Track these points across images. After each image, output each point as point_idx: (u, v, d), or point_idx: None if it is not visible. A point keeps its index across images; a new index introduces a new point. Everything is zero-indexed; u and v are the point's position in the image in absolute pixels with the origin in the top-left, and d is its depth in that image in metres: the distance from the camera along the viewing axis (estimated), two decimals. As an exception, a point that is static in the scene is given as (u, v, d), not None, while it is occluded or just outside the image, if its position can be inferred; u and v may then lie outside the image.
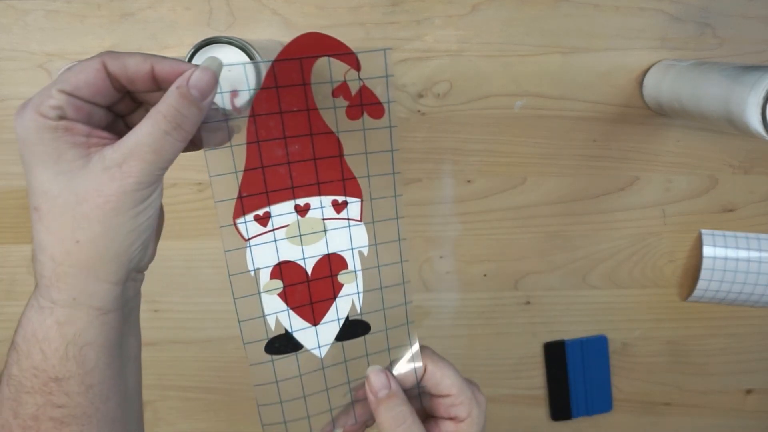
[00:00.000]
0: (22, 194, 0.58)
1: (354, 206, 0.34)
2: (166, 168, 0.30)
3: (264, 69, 0.33)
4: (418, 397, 0.37)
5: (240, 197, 0.34)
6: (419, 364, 0.36)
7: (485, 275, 0.61)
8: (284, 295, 0.34)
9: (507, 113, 0.57)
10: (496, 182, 0.59)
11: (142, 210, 0.30)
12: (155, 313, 0.61)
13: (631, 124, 0.57)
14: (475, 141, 0.58)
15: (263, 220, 0.34)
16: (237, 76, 0.34)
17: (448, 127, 0.57)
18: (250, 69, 0.36)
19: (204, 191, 0.58)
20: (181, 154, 0.55)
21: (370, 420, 0.36)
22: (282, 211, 0.34)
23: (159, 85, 0.30)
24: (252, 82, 0.36)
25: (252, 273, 0.34)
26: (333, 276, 0.35)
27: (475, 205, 0.59)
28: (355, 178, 0.34)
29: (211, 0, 0.54)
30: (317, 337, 0.35)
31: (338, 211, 0.34)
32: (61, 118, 0.28)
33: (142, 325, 0.62)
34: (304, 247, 0.34)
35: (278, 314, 0.34)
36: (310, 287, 0.35)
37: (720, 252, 0.59)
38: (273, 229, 0.34)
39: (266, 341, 0.34)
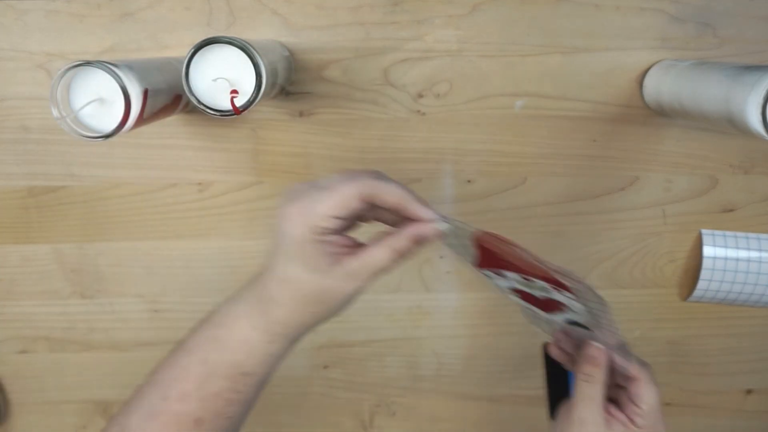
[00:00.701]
0: (22, 194, 0.58)
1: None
2: None
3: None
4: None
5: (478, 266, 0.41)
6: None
7: (485, 275, 0.61)
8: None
9: (507, 113, 0.57)
10: (496, 182, 0.59)
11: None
12: (155, 313, 0.61)
13: (631, 124, 0.57)
14: (475, 141, 0.58)
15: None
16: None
17: (448, 127, 0.57)
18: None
19: (204, 191, 0.58)
20: (182, 153, 0.56)
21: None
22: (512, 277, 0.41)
23: (399, 215, 0.37)
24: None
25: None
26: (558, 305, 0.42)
27: (475, 205, 0.59)
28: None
29: (211, 0, 0.54)
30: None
31: (555, 288, 0.40)
32: (324, 234, 0.35)
33: (142, 325, 0.62)
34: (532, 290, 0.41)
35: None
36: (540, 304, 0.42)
37: (720, 252, 0.59)
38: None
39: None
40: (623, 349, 0.42)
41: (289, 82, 0.55)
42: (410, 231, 0.36)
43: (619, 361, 0.42)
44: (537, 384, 0.64)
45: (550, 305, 0.42)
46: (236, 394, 0.37)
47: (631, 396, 0.41)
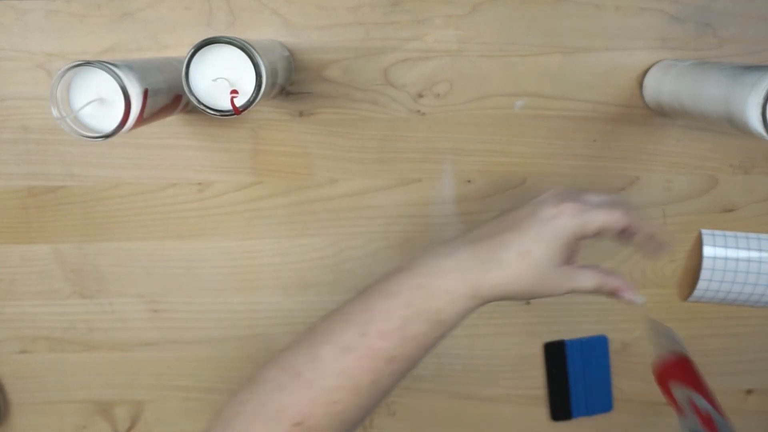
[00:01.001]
0: (22, 194, 0.58)
1: None
2: None
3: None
4: None
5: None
6: None
7: (485, 275, 0.61)
8: None
9: (507, 113, 0.57)
10: (496, 182, 0.59)
11: None
12: (155, 313, 0.61)
13: (631, 124, 0.57)
14: (475, 141, 0.58)
15: None
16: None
17: (448, 127, 0.57)
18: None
19: (204, 191, 0.58)
20: (182, 153, 0.56)
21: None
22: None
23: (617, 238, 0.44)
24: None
25: None
26: None
27: (475, 205, 0.59)
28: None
29: (211, 0, 0.54)
30: None
31: None
32: (579, 239, 0.42)
33: (142, 325, 0.62)
34: None
35: None
36: None
37: (720, 252, 0.59)
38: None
39: None
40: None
41: (289, 82, 0.55)
42: (620, 286, 0.43)
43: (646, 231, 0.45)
44: (537, 384, 0.64)
45: None
46: (429, 340, 0.41)
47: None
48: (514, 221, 0.42)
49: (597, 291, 0.43)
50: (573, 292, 0.43)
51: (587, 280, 0.42)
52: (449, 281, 0.40)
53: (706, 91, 0.46)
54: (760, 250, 0.59)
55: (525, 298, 0.42)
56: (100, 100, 0.42)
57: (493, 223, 0.44)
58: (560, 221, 0.41)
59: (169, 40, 0.55)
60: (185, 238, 0.60)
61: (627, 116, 0.57)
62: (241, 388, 0.41)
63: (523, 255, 0.40)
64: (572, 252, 0.42)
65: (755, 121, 0.40)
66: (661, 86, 0.53)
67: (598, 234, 0.42)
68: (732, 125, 0.43)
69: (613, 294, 0.44)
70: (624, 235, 0.44)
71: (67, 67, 0.40)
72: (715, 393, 0.65)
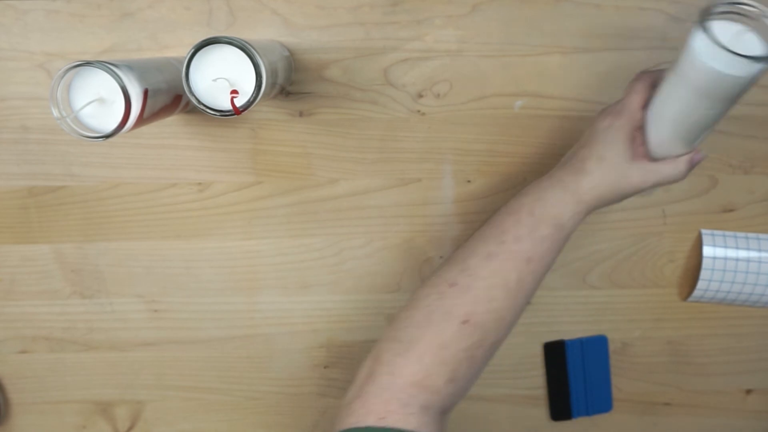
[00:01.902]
0: (22, 194, 0.58)
1: None
2: None
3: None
4: None
5: None
6: None
7: (485, 275, 0.61)
8: None
9: (507, 113, 0.57)
10: (496, 182, 0.59)
11: None
12: (155, 313, 0.61)
13: (631, 124, 0.57)
14: (475, 141, 0.58)
15: None
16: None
17: (448, 127, 0.57)
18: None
19: (204, 191, 0.59)
20: (182, 153, 0.56)
21: None
22: None
23: None
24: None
25: None
26: None
27: (475, 205, 0.59)
28: None
29: (211, 0, 0.54)
30: None
31: None
32: (637, 126, 0.47)
33: (142, 325, 0.62)
34: None
35: None
36: None
37: (720, 252, 0.59)
38: None
39: None
40: None
41: (289, 82, 0.55)
42: (689, 159, 0.48)
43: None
44: (537, 384, 0.64)
45: None
46: (555, 243, 0.47)
47: None
48: (585, 141, 0.48)
49: (687, 171, 0.48)
50: (659, 185, 0.48)
51: (666, 169, 0.47)
52: (557, 193, 0.47)
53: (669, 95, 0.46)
54: (759, 250, 0.59)
55: (618, 198, 0.48)
56: (100, 100, 0.42)
57: (571, 150, 0.50)
58: (613, 124, 0.47)
59: (169, 40, 0.55)
60: (185, 238, 0.60)
61: (627, 116, 0.57)
62: (403, 309, 0.47)
63: (599, 160, 0.46)
64: (637, 142, 0.47)
65: (703, 48, 0.39)
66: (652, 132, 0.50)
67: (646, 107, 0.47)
68: (697, 90, 0.42)
69: (695, 165, 0.49)
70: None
71: (67, 67, 0.40)
72: (712, 393, 0.65)
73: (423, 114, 0.57)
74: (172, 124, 0.57)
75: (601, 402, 0.64)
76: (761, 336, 0.63)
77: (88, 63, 0.41)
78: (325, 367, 0.63)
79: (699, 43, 0.40)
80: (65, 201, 0.59)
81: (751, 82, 0.40)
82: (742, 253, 0.59)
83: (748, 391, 0.65)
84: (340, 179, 0.58)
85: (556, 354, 0.63)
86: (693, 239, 0.61)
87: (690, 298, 0.61)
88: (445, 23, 0.55)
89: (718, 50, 0.38)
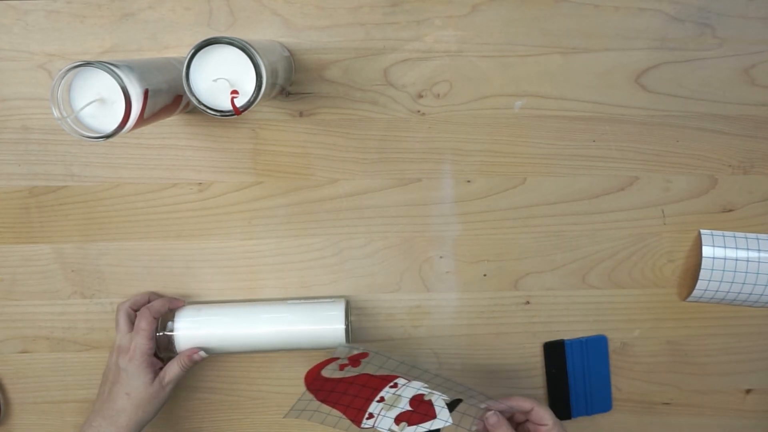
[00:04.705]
0: (22, 194, 0.58)
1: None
2: None
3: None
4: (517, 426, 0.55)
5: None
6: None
7: (485, 275, 0.61)
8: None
9: (507, 113, 0.57)
10: (496, 182, 0.59)
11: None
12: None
13: (630, 124, 0.57)
14: (475, 141, 0.58)
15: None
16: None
17: (448, 127, 0.57)
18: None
19: (204, 191, 0.59)
20: (182, 153, 0.56)
21: None
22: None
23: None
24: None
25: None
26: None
27: (475, 205, 0.59)
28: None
29: (211, 0, 0.54)
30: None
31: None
32: (148, 355, 0.56)
33: (142, 324, 0.62)
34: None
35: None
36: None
37: (719, 252, 0.59)
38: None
39: None
40: (502, 404, 0.53)
41: (289, 83, 0.56)
42: (187, 353, 0.56)
43: (508, 406, 0.53)
44: (537, 384, 0.64)
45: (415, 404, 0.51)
46: None
47: (534, 420, 0.53)
48: (111, 375, 0.57)
49: (187, 365, 0.56)
50: (174, 382, 0.57)
51: (173, 370, 0.56)
52: None
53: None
54: (759, 250, 0.59)
55: (155, 413, 0.56)
56: (100, 101, 0.42)
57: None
58: (123, 361, 0.56)
59: (170, 41, 0.55)
60: (185, 238, 0.60)
61: (626, 116, 0.57)
62: None
63: (127, 395, 0.55)
64: (153, 364, 0.56)
65: None
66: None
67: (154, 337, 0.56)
68: None
69: (194, 359, 0.57)
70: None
71: (67, 67, 0.41)
72: (712, 393, 0.65)
73: (423, 114, 0.57)
74: (172, 124, 0.57)
75: (600, 402, 0.64)
76: (761, 336, 0.63)
77: (88, 63, 0.41)
78: None
79: None
80: (66, 201, 0.59)
81: None
82: (742, 253, 0.59)
83: (748, 391, 0.65)
84: (340, 179, 0.59)
85: (555, 354, 0.63)
86: (692, 239, 0.61)
87: (689, 298, 0.61)
88: (445, 23, 0.55)
89: None
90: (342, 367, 0.55)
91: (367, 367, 0.55)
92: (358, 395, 0.53)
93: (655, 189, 0.59)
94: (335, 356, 0.55)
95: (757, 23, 0.55)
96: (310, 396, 0.53)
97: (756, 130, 0.58)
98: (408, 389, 0.53)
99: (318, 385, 0.54)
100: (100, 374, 0.58)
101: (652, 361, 0.64)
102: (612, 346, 0.63)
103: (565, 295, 0.62)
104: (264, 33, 0.55)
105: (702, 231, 0.60)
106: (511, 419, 0.55)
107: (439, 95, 0.57)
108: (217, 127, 0.57)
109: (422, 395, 0.53)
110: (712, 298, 0.60)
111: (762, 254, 0.58)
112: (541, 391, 0.64)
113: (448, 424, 0.51)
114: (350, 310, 0.60)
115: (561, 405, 0.64)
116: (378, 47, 0.55)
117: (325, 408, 0.53)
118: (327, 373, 0.54)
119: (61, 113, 0.41)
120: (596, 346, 0.63)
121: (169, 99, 0.47)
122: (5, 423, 0.64)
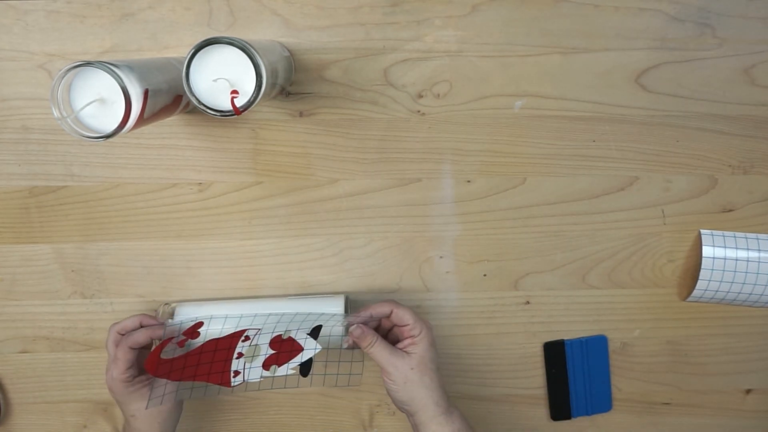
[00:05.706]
0: (22, 194, 0.58)
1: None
2: None
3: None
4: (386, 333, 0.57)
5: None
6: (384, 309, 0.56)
7: (485, 275, 0.61)
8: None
9: (507, 113, 0.57)
10: (496, 182, 0.59)
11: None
12: (155, 313, 0.61)
13: (630, 124, 0.57)
14: (475, 141, 0.58)
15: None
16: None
17: (448, 127, 0.57)
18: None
19: (204, 191, 0.59)
20: (182, 153, 0.56)
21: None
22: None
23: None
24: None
25: None
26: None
27: (475, 205, 0.59)
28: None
29: (212, 0, 0.54)
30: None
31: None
32: (128, 382, 0.54)
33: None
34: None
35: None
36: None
37: (719, 252, 0.59)
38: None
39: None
40: (362, 315, 0.55)
41: (289, 83, 0.56)
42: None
43: (369, 315, 0.55)
44: (537, 384, 0.64)
45: (276, 346, 0.53)
46: None
47: (396, 322, 0.55)
48: (119, 403, 0.57)
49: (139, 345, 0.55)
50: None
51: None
52: None
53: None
54: (758, 250, 0.59)
55: (174, 416, 0.57)
56: (100, 101, 0.42)
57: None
58: (113, 395, 0.56)
59: (170, 41, 0.55)
60: (186, 238, 0.60)
61: (626, 116, 0.57)
62: None
63: (132, 417, 0.55)
64: (137, 383, 0.55)
65: None
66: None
67: (133, 359, 0.54)
68: None
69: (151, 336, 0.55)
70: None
71: (67, 67, 0.41)
72: (711, 393, 0.65)
73: (423, 114, 0.57)
74: (172, 124, 0.57)
75: (600, 402, 0.64)
76: (761, 336, 0.63)
77: (88, 63, 0.41)
78: (325, 367, 0.63)
79: None
80: (66, 201, 0.59)
81: None
82: (742, 253, 0.59)
83: (748, 391, 0.65)
84: (340, 179, 0.59)
85: (555, 354, 0.63)
86: (692, 239, 0.61)
87: (689, 298, 0.61)
88: (445, 24, 0.55)
89: None
90: (182, 344, 0.55)
91: (208, 334, 0.55)
92: (214, 360, 0.53)
93: (655, 189, 0.59)
94: (168, 337, 0.54)
95: (757, 23, 0.55)
96: (164, 381, 0.53)
97: (756, 130, 0.58)
98: (262, 336, 0.54)
99: (165, 368, 0.53)
100: (100, 374, 0.59)
101: (652, 361, 0.64)
102: (612, 346, 0.63)
103: (565, 295, 0.62)
104: (264, 33, 0.55)
105: (702, 231, 0.60)
106: (380, 328, 0.57)
107: (439, 95, 0.57)
108: (217, 127, 0.57)
109: (279, 335, 0.54)
110: (712, 298, 0.60)
111: (762, 254, 0.58)
112: (541, 391, 0.64)
113: (318, 350, 0.53)
114: (350, 309, 0.59)
115: (561, 405, 0.64)
116: (378, 47, 0.55)
117: (186, 384, 0.53)
118: (168, 354, 0.53)
119: (61, 113, 0.41)
120: (596, 346, 0.63)
121: (169, 99, 0.47)
122: (5, 423, 0.64)
